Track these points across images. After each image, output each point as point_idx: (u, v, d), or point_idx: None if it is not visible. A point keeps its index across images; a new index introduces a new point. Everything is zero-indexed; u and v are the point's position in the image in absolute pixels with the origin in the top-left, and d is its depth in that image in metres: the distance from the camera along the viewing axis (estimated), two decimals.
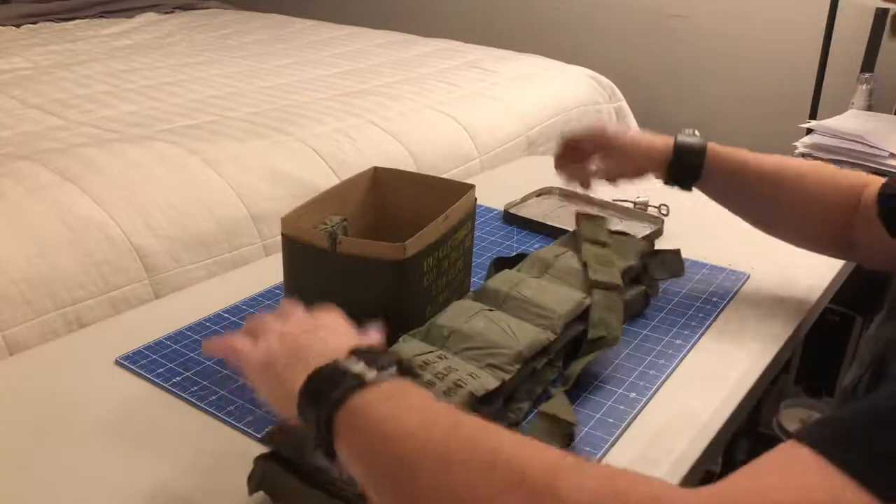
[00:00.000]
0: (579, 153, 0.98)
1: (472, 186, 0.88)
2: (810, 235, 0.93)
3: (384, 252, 0.76)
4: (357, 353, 0.53)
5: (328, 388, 0.51)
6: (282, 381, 0.55)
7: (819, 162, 0.92)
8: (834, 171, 0.89)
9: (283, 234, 0.80)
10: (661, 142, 0.94)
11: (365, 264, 0.75)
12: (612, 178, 0.96)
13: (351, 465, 0.49)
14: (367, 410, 0.49)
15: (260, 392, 0.59)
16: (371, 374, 0.51)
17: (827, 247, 0.93)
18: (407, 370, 0.54)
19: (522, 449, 0.44)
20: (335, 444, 0.50)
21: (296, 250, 0.79)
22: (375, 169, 0.95)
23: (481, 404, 0.67)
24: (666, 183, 0.95)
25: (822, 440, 0.43)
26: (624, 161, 0.95)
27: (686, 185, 0.94)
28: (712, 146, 0.92)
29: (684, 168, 0.92)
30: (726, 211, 0.94)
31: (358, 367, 0.52)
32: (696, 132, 0.94)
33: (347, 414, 0.49)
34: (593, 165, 0.97)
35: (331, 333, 0.58)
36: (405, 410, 0.49)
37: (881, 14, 1.94)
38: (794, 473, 0.43)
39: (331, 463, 0.51)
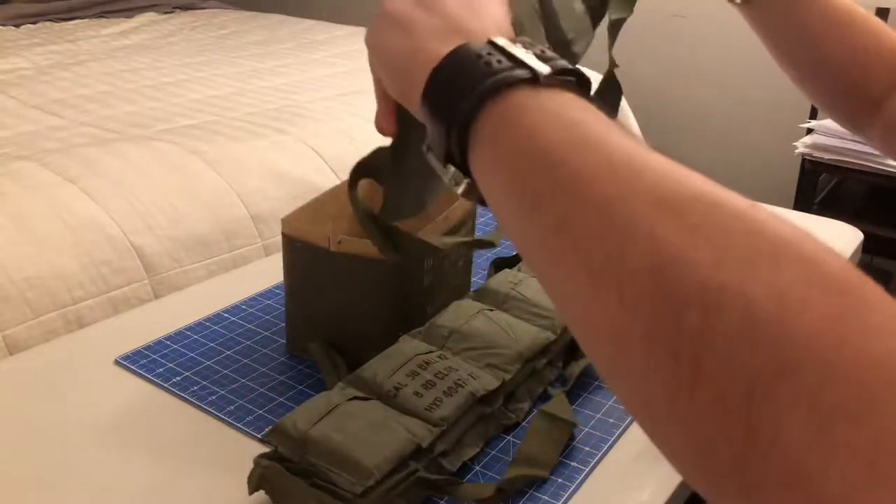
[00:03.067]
0: None
1: None
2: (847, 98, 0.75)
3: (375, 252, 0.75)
4: (521, 40, 0.40)
5: (474, 76, 0.38)
6: (414, 46, 0.43)
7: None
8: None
9: (283, 234, 0.80)
10: None
11: (365, 264, 0.75)
12: None
13: (491, 186, 0.38)
14: (535, 118, 0.36)
15: (376, 54, 0.47)
16: (544, 69, 0.38)
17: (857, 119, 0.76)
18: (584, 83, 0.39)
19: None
20: (469, 154, 0.39)
21: (296, 250, 0.79)
22: None
23: (481, 404, 0.67)
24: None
25: None
26: None
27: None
28: None
29: None
30: None
31: (528, 57, 0.38)
32: None
33: (502, 112, 0.37)
34: None
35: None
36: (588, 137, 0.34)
37: (881, 14, 1.94)
38: None
39: (443, 173, 0.41)
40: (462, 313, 0.76)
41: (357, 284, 0.77)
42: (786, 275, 0.27)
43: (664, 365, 0.28)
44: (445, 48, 0.41)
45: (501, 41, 0.40)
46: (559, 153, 0.34)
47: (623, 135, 0.35)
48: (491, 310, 0.78)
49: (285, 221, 0.80)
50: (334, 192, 0.91)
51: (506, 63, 0.38)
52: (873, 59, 0.72)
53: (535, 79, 0.37)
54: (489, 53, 0.39)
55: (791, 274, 0.27)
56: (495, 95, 0.37)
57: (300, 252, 0.79)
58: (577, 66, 0.40)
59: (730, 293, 0.26)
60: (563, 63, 0.39)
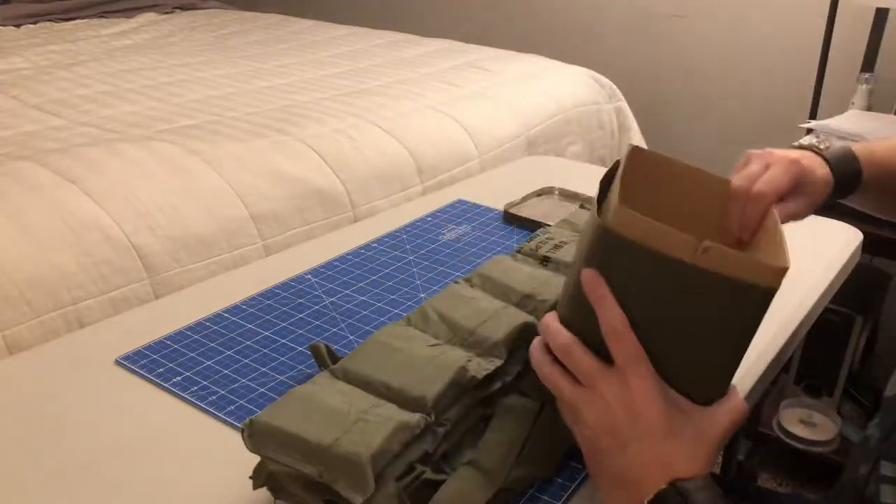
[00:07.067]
0: None
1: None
2: None
3: (759, 273, 0.52)
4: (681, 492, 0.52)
5: None
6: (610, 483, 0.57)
7: None
8: None
9: (615, 236, 0.54)
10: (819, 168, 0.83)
11: (732, 288, 0.52)
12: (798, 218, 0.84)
13: None
14: None
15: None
16: None
17: None
18: None
19: None
20: None
21: (631, 257, 0.54)
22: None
23: (482, 405, 0.66)
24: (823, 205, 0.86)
25: None
26: (802, 198, 0.83)
27: (838, 198, 0.86)
28: (859, 150, 0.83)
29: (845, 184, 0.85)
30: None
31: None
32: (823, 140, 0.85)
33: None
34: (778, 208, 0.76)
35: (646, 443, 0.55)
36: None
37: (881, 14, 1.94)
38: None
39: None
40: (453, 300, 0.75)
41: (709, 316, 0.55)
42: None
43: None
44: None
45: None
46: None
47: None
48: (488, 296, 0.77)
49: (622, 215, 0.53)
50: (659, 175, 0.66)
51: None
52: None
53: None
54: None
55: None
56: None
57: (634, 260, 0.54)
58: None
59: None
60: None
